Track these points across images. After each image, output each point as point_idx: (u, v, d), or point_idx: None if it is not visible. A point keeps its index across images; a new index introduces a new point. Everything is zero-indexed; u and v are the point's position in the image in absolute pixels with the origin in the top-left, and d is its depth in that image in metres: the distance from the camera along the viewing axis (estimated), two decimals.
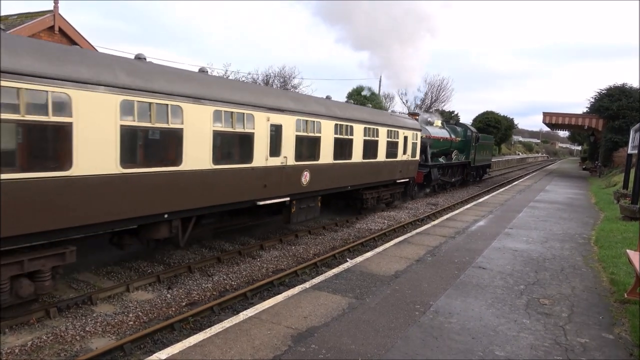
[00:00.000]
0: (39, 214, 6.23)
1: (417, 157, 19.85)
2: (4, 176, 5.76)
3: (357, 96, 39.93)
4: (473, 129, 29.17)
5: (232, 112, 9.28)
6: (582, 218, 15.43)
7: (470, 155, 27.84)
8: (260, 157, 10.21)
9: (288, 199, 11.53)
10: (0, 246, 5.95)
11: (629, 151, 18.08)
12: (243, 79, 31.99)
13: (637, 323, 6.08)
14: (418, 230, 12.52)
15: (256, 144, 10.04)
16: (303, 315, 6.11)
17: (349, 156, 14.11)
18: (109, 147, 6.98)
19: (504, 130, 61.64)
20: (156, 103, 7.65)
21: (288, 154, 11.17)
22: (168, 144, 8.17)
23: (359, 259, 9.20)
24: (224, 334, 5.45)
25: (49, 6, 14.34)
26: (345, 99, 37.63)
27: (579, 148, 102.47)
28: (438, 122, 25.43)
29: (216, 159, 8.99)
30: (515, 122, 68.97)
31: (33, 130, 6.08)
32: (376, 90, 43.55)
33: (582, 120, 37.79)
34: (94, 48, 14.90)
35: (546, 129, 65.44)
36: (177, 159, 8.21)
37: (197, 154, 8.54)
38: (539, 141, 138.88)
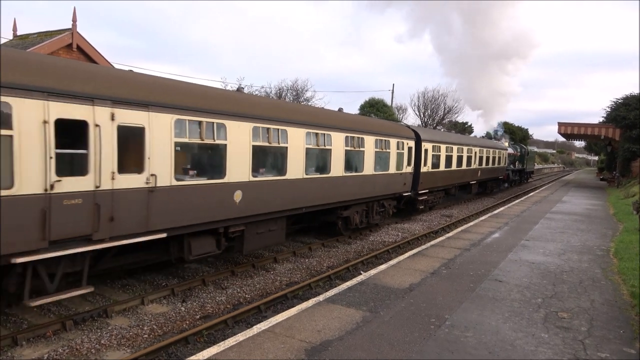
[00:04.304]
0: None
1: (505, 165, 34.90)
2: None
3: (369, 108, 39.96)
4: (524, 146, 43.41)
5: (461, 148, 23.48)
6: (600, 229, 15.15)
7: (524, 164, 41.47)
8: (462, 165, 23.96)
9: (471, 182, 26.46)
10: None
11: None
12: (257, 92, 32.39)
13: None
14: (432, 242, 12.42)
15: (464, 161, 24.06)
16: (317, 328, 6.08)
17: (487, 164, 29.04)
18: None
19: (518, 141, 61.07)
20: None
21: (473, 163, 25.91)
22: (446, 160, 21.16)
23: (372, 271, 9.14)
24: (237, 348, 5.45)
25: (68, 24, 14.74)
26: (358, 111, 37.71)
27: (596, 158, 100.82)
28: (506, 143, 38.27)
29: (458, 165, 22.97)
30: (530, 132, 68.35)
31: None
32: (388, 102, 43.58)
33: (599, 130, 37.28)
34: (111, 64, 15.23)
35: (562, 139, 64.76)
36: (452, 165, 22.08)
37: (457, 164, 22.83)
38: (554, 151, 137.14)
